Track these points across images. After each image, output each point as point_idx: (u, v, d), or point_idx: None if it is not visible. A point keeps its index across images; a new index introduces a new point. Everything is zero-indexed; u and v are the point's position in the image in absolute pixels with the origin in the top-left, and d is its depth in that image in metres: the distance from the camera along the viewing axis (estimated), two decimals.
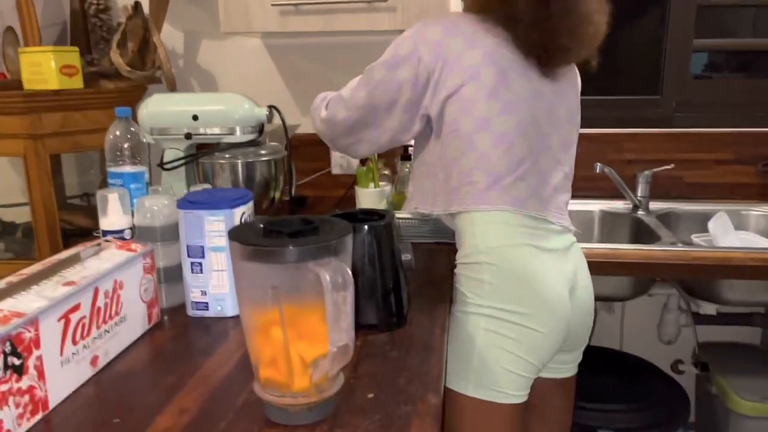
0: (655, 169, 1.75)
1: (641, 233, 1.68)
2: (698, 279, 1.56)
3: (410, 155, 1.68)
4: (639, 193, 1.76)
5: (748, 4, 1.90)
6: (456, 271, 1.10)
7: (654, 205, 1.77)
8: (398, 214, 1.57)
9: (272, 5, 1.56)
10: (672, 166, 1.74)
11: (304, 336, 0.68)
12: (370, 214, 1.04)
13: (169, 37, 1.95)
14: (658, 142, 1.86)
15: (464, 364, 1.05)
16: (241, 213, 1.01)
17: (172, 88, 1.78)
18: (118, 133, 1.28)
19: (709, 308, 1.62)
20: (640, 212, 1.75)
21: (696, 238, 1.58)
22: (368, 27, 1.56)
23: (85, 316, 0.80)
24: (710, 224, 1.57)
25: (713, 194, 1.85)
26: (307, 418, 0.70)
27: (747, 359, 1.79)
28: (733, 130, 1.82)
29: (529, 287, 1.03)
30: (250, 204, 1.05)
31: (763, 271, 1.32)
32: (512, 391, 1.04)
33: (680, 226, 1.76)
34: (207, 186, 1.30)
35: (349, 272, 0.64)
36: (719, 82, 2.04)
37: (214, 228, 0.99)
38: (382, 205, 1.59)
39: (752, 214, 1.73)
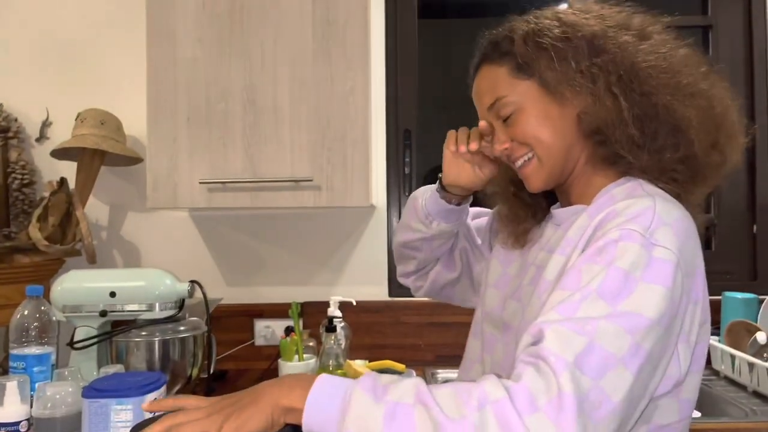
0: None
1: None
2: None
3: (335, 327, 1.67)
4: None
5: None
6: None
7: None
8: None
9: (200, 183, 1.61)
10: None
11: None
12: None
13: (94, 209, 1.95)
14: None
15: None
16: (152, 400, 0.96)
17: (92, 261, 1.75)
18: (26, 312, 1.22)
19: None
20: None
21: None
22: (294, 204, 1.62)
23: None
24: None
25: None
26: None
27: None
28: None
29: None
30: (163, 389, 1.00)
31: None
32: None
33: None
34: (119, 367, 1.23)
35: None
36: None
37: (121, 418, 0.93)
38: None
39: None
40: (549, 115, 0.83)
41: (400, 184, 2.03)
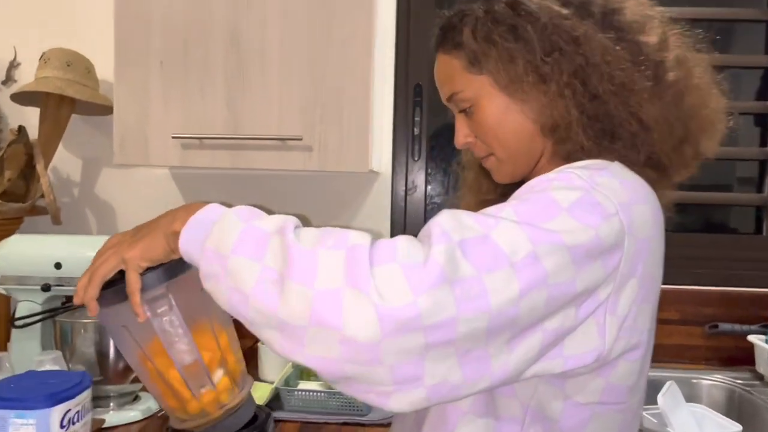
0: None
1: None
2: None
3: None
4: None
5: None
6: None
7: None
8: (302, 385, 1.34)
9: (173, 137, 1.40)
10: None
11: None
12: None
13: (64, 163, 1.76)
14: None
15: None
16: (65, 411, 0.77)
17: (57, 221, 1.56)
18: None
19: None
20: None
21: (646, 413, 1.40)
22: (280, 166, 1.40)
23: None
24: (660, 398, 1.39)
25: (662, 354, 1.69)
26: None
27: None
28: (675, 287, 1.70)
29: None
30: (84, 395, 0.81)
31: None
32: None
33: None
34: (56, 354, 1.05)
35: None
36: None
37: None
38: (286, 369, 1.36)
39: (703, 383, 1.56)
40: (506, 112, 0.78)
41: (408, 147, 1.79)
